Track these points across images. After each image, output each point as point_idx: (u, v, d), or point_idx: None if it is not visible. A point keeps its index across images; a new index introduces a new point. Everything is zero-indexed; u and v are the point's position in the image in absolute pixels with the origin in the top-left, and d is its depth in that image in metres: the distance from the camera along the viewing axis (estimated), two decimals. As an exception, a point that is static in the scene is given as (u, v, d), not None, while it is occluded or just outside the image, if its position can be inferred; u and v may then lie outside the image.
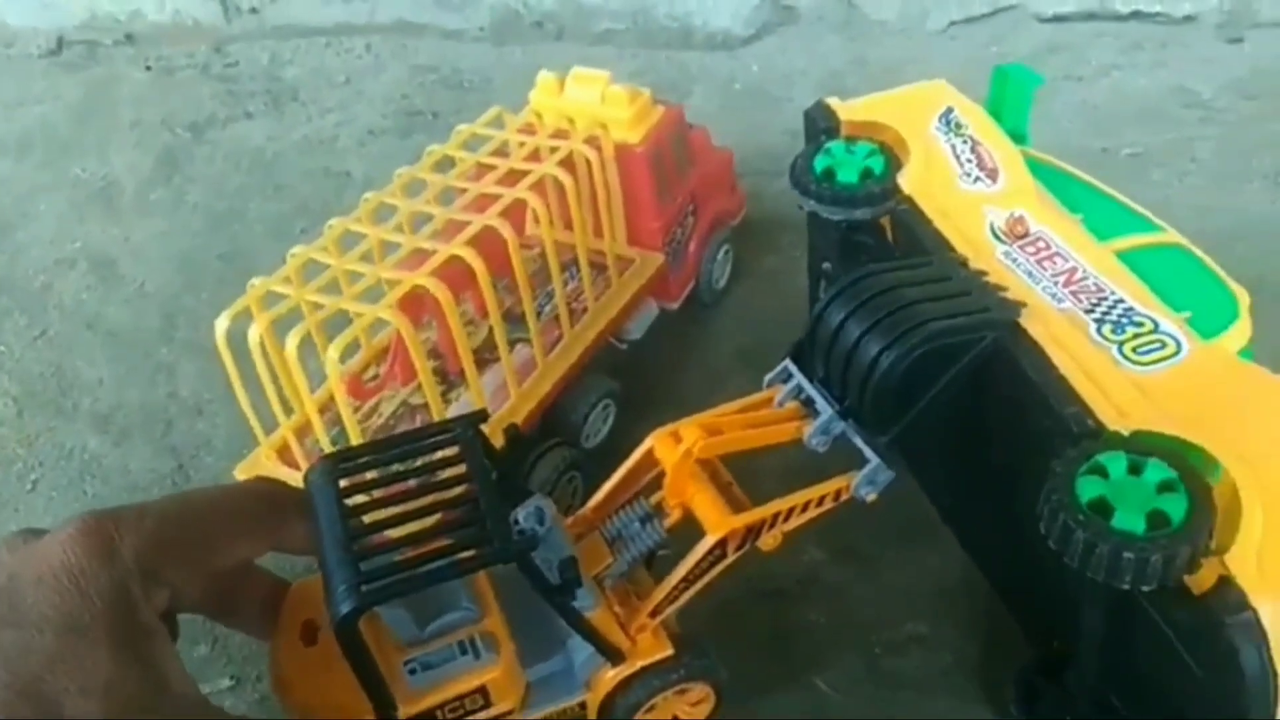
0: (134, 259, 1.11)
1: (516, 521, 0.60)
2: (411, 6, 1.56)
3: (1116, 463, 0.51)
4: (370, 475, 0.56)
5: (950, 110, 0.79)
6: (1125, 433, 0.53)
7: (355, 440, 0.67)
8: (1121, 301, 0.62)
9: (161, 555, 0.51)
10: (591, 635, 0.58)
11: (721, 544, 0.59)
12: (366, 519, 0.53)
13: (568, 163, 0.80)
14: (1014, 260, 0.66)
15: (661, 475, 0.62)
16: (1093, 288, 0.63)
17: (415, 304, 0.72)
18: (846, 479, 0.61)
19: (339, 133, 1.29)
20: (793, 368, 0.65)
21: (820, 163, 0.76)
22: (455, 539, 0.52)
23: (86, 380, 0.98)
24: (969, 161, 0.75)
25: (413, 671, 0.56)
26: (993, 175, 0.74)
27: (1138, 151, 1.19)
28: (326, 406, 0.76)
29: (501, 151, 0.82)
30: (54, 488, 0.89)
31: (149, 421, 0.93)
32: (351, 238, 0.74)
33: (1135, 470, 0.51)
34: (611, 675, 0.60)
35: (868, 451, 0.61)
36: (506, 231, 0.72)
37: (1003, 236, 0.69)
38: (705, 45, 1.52)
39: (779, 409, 0.65)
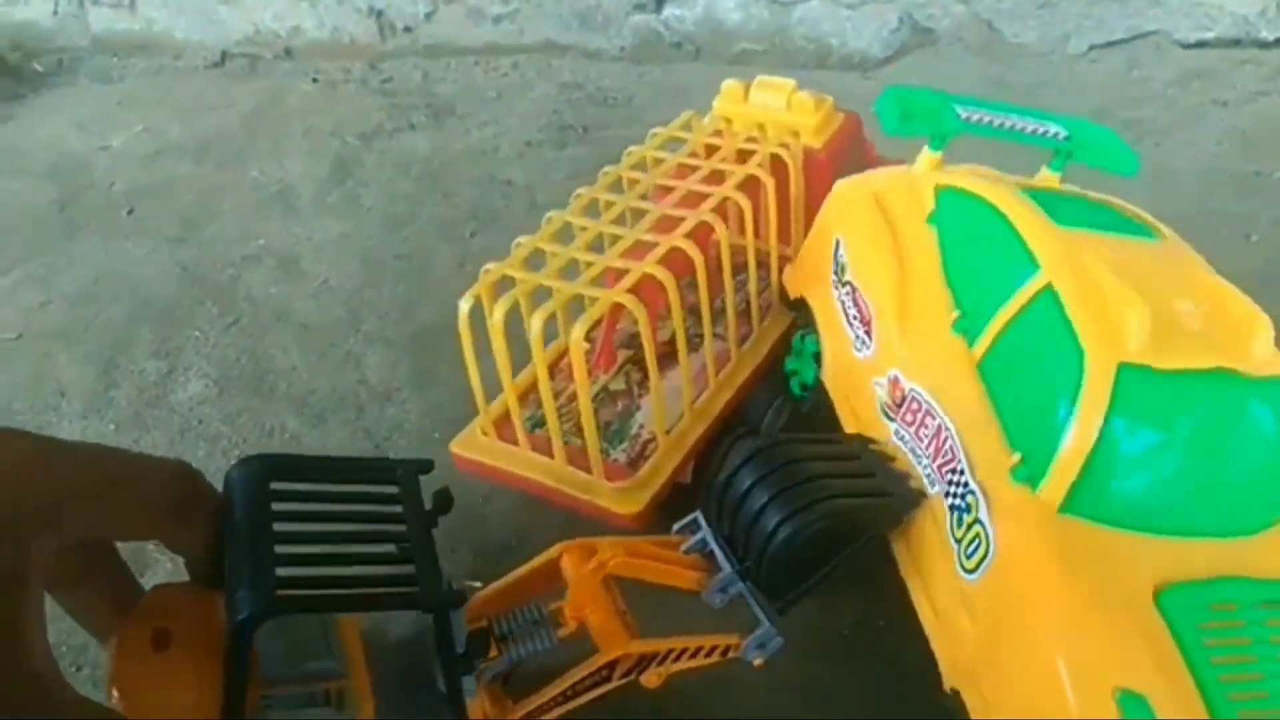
0: (316, 257, 1.18)
1: None
2: (558, 27, 1.62)
3: None
4: (303, 488, 0.53)
5: (838, 246, 0.78)
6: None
7: (588, 419, 0.71)
8: (963, 474, 0.62)
9: (67, 503, 0.46)
10: (461, 717, 0.57)
11: (611, 666, 0.59)
12: (292, 529, 0.51)
13: (765, 165, 0.83)
14: (902, 439, 0.67)
15: (559, 587, 0.62)
16: (949, 452, 0.63)
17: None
18: (738, 637, 0.62)
19: (499, 144, 1.35)
20: (702, 521, 0.66)
21: (790, 365, 0.84)
22: (384, 574, 0.51)
23: (280, 366, 1.04)
24: (855, 320, 0.75)
25: (268, 706, 0.53)
26: (869, 329, 0.73)
27: (1292, 175, 1.20)
28: (530, 389, 0.80)
29: (696, 153, 0.86)
30: (257, 463, 0.94)
31: (342, 405, 0.99)
32: (566, 231, 0.78)
33: None
34: None
35: (760, 616, 0.62)
36: (720, 229, 0.75)
37: (889, 412, 0.69)
38: (841, 66, 1.56)
39: (685, 555, 0.65)
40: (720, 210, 0.78)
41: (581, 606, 0.61)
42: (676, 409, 0.78)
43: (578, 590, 0.61)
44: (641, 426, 0.79)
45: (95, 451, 0.48)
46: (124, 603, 0.53)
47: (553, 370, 0.83)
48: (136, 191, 1.32)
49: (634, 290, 0.71)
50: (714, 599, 0.63)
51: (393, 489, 0.56)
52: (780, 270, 0.87)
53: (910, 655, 0.62)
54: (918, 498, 0.63)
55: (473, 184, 1.28)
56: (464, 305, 0.71)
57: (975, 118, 0.78)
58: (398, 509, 0.54)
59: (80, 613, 0.53)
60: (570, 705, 0.60)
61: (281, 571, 0.48)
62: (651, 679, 0.62)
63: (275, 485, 0.52)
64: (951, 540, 0.61)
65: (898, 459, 0.67)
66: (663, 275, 0.70)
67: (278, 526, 0.50)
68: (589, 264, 0.73)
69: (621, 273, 0.72)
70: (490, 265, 0.73)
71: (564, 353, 0.86)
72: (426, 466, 0.58)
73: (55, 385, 1.02)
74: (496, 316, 0.69)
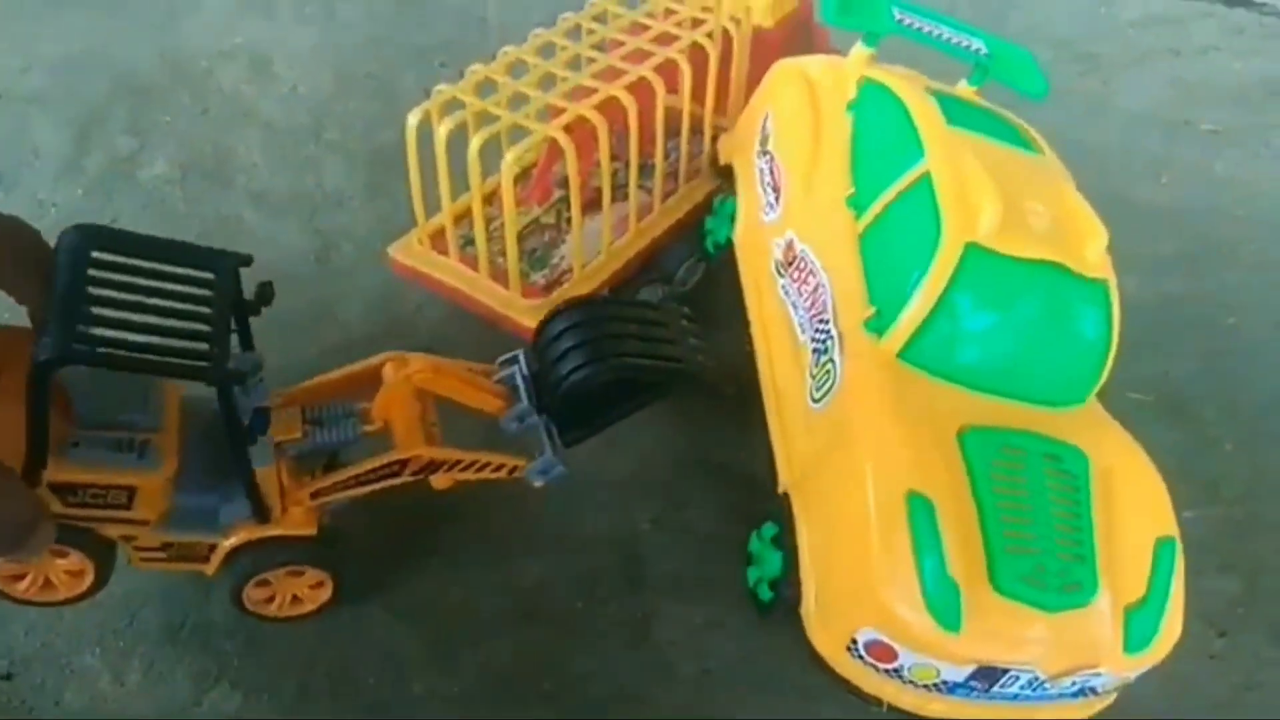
0: (289, 63, 1.22)
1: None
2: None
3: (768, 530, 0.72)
4: (123, 260, 0.57)
5: (767, 118, 0.86)
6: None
7: (511, 237, 0.79)
8: (828, 322, 0.71)
9: None
10: (251, 485, 0.61)
11: (402, 463, 0.65)
12: (105, 293, 0.55)
13: (715, 37, 0.89)
14: (787, 292, 0.78)
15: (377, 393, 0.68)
16: (821, 305, 0.73)
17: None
18: (523, 460, 0.69)
19: (480, -19, 1.39)
20: (521, 358, 0.73)
21: (709, 224, 0.91)
22: (177, 343, 0.55)
23: (242, 161, 1.10)
24: (768, 186, 0.83)
25: (75, 445, 0.58)
26: (778, 194, 0.81)
27: (1216, 129, 1.28)
28: (468, 210, 0.88)
29: (654, 15, 0.91)
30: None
31: (297, 205, 1.05)
32: (520, 68, 0.84)
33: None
34: (250, 531, 0.64)
35: (546, 445, 0.69)
36: (659, 87, 0.82)
37: (781, 270, 0.79)
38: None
39: (494, 383, 0.72)
40: (665, 72, 0.85)
41: (388, 407, 0.67)
42: (596, 247, 0.86)
43: (387, 395, 0.67)
44: (563, 258, 0.87)
45: None
46: None
47: (492, 197, 0.90)
48: (123, -27, 1.34)
49: (568, 129, 0.78)
50: (510, 426, 0.70)
51: (209, 275, 0.59)
52: (714, 140, 0.95)
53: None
54: (702, 369, 0.72)
55: (448, 16, 1.32)
56: (412, 119, 0.78)
57: (908, 22, 0.85)
58: (208, 293, 0.58)
59: None
60: (361, 490, 0.66)
61: (83, 328, 0.52)
62: (441, 480, 0.68)
63: (97, 255, 0.56)
64: (808, 377, 0.71)
65: (701, 333, 0.76)
66: (596, 119, 0.77)
67: (92, 290, 0.54)
68: (534, 99, 0.80)
69: (561, 111, 0.79)
70: (443, 86, 0.80)
71: (505, 182, 0.93)
72: (246, 260, 0.61)
73: (30, 146, 1.08)
74: (441, 132, 0.76)
